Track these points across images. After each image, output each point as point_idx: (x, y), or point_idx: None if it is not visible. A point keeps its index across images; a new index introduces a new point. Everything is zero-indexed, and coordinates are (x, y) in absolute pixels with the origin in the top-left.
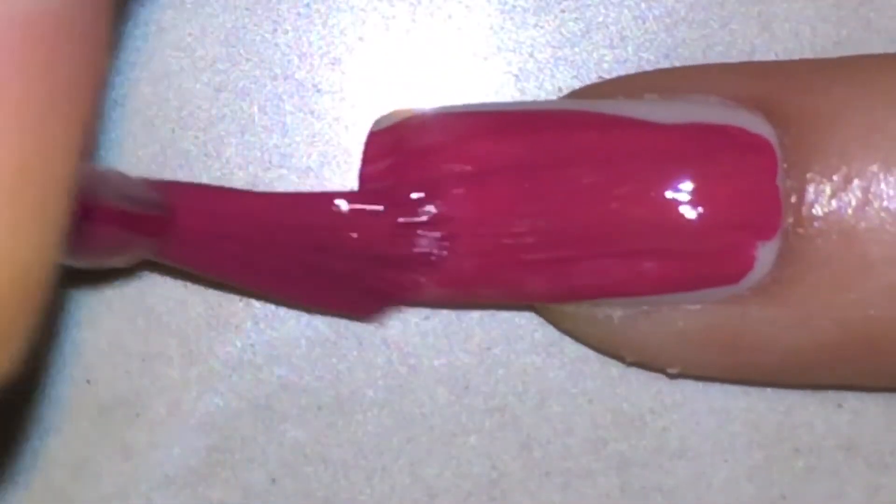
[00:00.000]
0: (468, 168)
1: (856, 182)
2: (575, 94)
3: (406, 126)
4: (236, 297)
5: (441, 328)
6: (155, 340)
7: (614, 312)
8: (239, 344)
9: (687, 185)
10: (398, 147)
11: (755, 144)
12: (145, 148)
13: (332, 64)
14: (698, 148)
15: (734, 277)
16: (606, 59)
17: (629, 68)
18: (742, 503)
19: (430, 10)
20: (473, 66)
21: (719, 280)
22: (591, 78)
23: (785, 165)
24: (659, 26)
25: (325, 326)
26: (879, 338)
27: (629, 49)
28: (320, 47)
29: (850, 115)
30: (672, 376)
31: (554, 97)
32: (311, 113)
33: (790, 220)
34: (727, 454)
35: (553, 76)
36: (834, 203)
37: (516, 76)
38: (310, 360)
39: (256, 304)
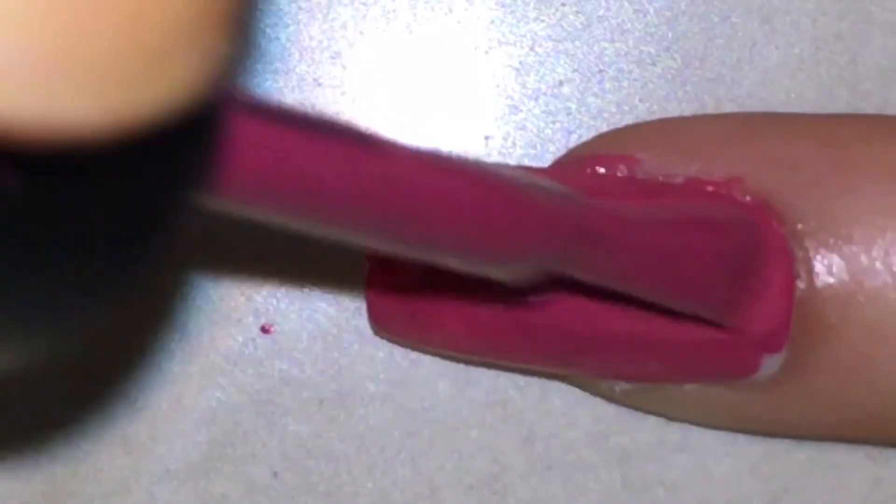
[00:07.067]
0: None
1: (863, 291)
2: (573, 155)
3: None
4: (238, 292)
5: None
6: (156, 334)
7: (616, 385)
8: (240, 338)
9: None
10: None
11: (774, 259)
12: None
13: (333, 58)
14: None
15: (737, 378)
16: (607, 52)
17: (630, 61)
18: (744, 496)
19: (431, 3)
20: (474, 59)
21: (722, 380)
22: (592, 71)
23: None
24: (660, 19)
25: (326, 320)
26: (879, 431)
27: (630, 42)
28: (321, 41)
29: (864, 232)
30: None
31: (554, 90)
32: (312, 107)
33: (797, 331)
34: (729, 447)
35: (554, 70)
36: (840, 309)
37: (517, 69)
38: (311, 354)
39: (258, 297)
